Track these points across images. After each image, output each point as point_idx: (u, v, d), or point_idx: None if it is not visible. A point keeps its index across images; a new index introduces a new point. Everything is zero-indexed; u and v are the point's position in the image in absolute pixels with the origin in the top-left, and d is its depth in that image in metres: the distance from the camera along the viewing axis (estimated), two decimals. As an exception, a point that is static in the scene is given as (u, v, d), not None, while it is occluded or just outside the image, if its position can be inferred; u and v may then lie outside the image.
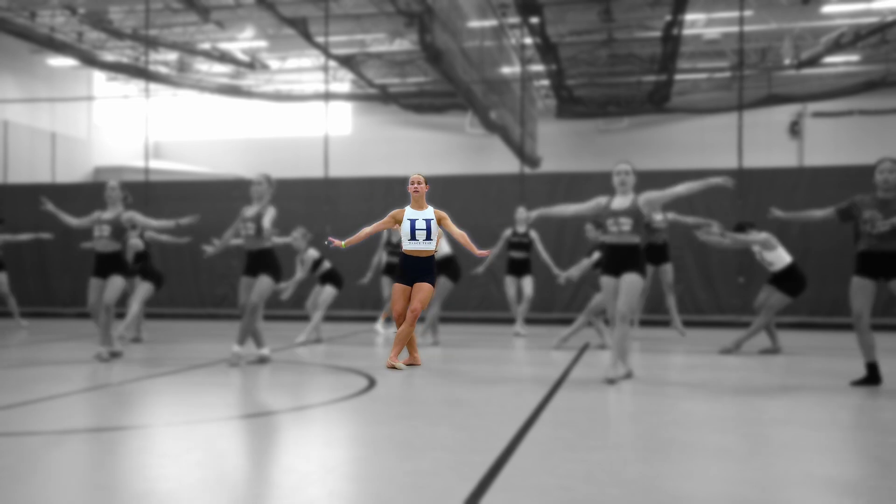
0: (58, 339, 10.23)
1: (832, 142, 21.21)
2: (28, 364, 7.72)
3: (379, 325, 11.63)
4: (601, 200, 6.78)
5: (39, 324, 12.85)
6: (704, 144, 20.89)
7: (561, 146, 22.52)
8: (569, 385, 6.47)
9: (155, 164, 19.93)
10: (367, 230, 5.05)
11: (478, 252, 4.88)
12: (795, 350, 9.30)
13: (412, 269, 4.99)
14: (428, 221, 5.03)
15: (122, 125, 24.23)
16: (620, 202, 6.69)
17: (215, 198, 15.25)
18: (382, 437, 4.58)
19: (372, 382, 6.50)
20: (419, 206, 5.05)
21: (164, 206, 15.02)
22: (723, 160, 16.44)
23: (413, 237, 4.99)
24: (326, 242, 4.86)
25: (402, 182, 14.78)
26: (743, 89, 14.34)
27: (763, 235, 8.78)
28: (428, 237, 4.99)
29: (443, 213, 5.21)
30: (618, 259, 6.57)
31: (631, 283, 6.48)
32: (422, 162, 22.02)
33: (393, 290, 5.07)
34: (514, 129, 18.59)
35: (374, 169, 18.83)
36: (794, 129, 21.99)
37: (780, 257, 8.73)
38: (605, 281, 6.67)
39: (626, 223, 6.54)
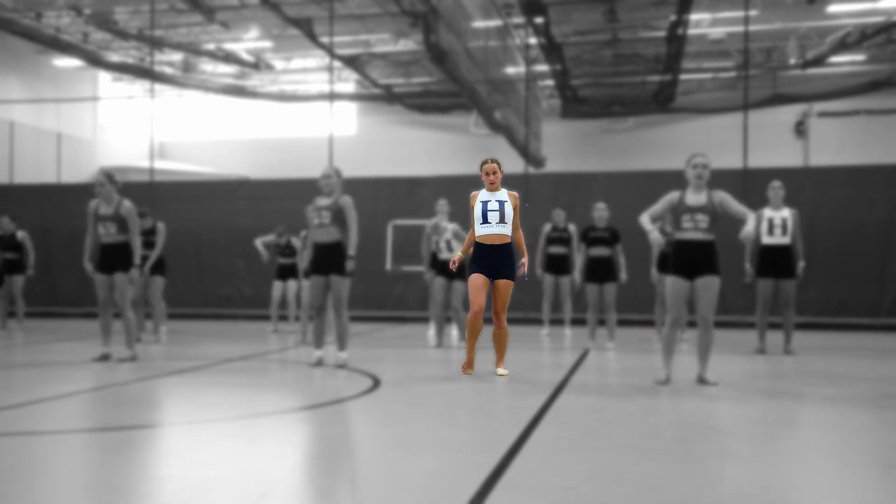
0: (63, 339, 10.26)
1: (838, 142, 21.15)
2: (33, 364, 7.74)
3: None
4: (672, 197, 6.35)
5: (45, 324, 12.88)
6: (709, 144, 20.80)
7: (565, 146, 22.50)
8: (573, 386, 6.47)
9: (160, 164, 19.97)
10: (468, 241, 4.99)
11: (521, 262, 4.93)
12: (801, 350, 9.28)
13: (490, 260, 4.72)
14: (501, 203, 4.84)
15: (128, 125, 24.28)
16: (695, 198, 6.30)
17: (220, 198, 15.29)
18: (387, 436, 4.58)
19: (377, 382, 6.50)
20: (493, 191, 4.92)
21: (169, 207, 15.06)
22: (728, 160, 16.39)
23: (485, 220, 4.77)
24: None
25: (406, 182, 14.79)
26: (748, 89, 14.31)
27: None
28: (502, 220, 4.78)
29: (517, 197, 5.03)
30: (694, 258, 6.21)
31: (710, 285, 6.21)
32: (426, 162, 22.02)
33: (471, 283, 4.83)
34: (519, 129, 18.59)
35: (379, 169, 18.84)
36: (800, 129, 21.94)
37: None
38: (675, 282, 6.25)
39: (703, 220, 6.20)
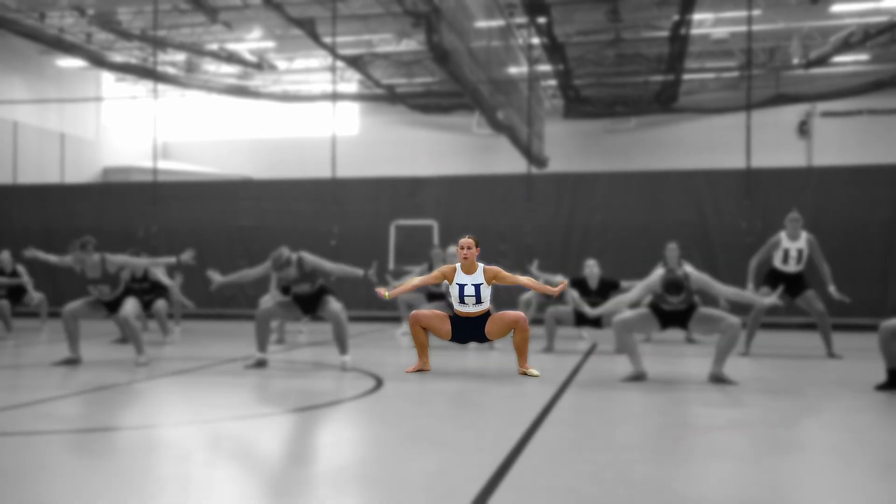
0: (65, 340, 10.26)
1: (841, 142, 21.11)
2: (36, 364, 7.76)
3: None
4: (653, 282, 6.72)
5: (47, 324, 12.89)
6: (712, 144, 20.83)
7: (568, 146, 22.49)
8: (576, 386, 6.47)
9: (163, 164, 19.99)
10: (414, 282, 4.94)
11: (552, 290, 4.75)
12: (800, 352, 9.27)
13: (466, 327, 4.91)
14: (477, 287, 4.93)
15: (131, 126, 24.30)
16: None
17: (223, 198, 15.29)
18: (390, 437, 4.58)
19: (380, 383, 6.50)
20: (468, 271, 4.92)
21: (172, 207, 15.08)
22: (731, 160, 16.39)
23: (461, 301, 4.90)
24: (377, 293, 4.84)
25: (408, 182, 14.79)
26: (751, 89, 14.29)
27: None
28: (478, 302, 4.88)
29: (495, 271, 5.01)
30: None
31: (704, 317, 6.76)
32: (428, 162, 22.02)
33: (430, 313, 4.92)
34: (521, 129, 18.58)
35: (381, 169, 18.84)
36: (803, 129, 21.90)
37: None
38: (649, 317, 6.82)
39: (680, 302, 6.70)
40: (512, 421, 4.97)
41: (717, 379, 6.57)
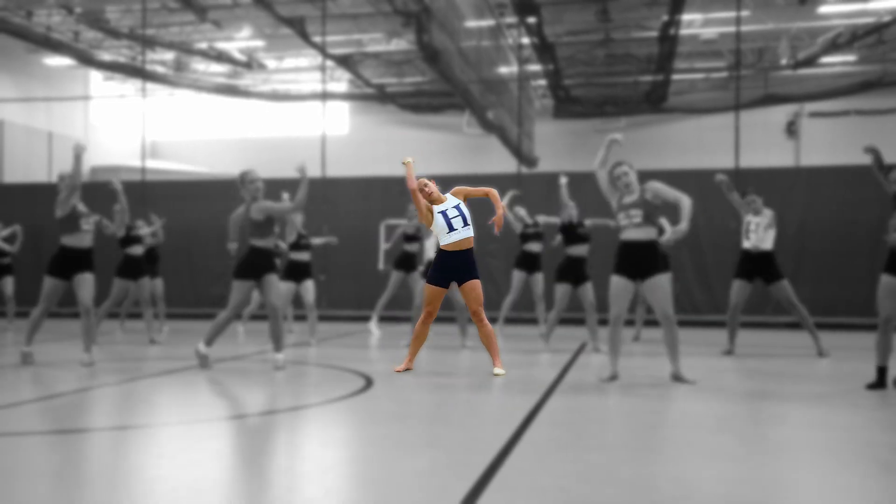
0: (53, 340, 10.21)
1: (829, 142, 21.21)
2: (24, 364, 7.71)
3: (373, 325, 11.39)
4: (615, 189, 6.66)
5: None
6: (701, 144, 20.90)
7: (558, 146, 22.51)
8: (565, 386, 6.48)
9: (152, 163, 19.91)
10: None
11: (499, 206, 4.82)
12: (790, 351, 9.32)
13: (454, 268, 4.64)
14: (457, 206, 4.77)
15: (119, 124, 24.18)
16: (630, 197, 6.55)
17: (212, 197, 15.24)
18: (379, 436, 4.58)
19: (369, 382, 6.50)
20: (440, 201, 4.79)
21: (160, 206, 15.00)
22: (720, 160, 16.45)
23: (451, 228, 4.69)
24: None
25: (399, 182, 14.77)
26: (740, 89, 14.35)
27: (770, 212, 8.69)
28: (465, 223, 4.73)
29: (460, 189, 4.95)
30: (637, 258, 6.32)
31: (661, 285, 6.27)
32: (419, 162, 21.99)
33: (429, 291, 4.69)
34: (512, 129, 18.59)
35: (372, 168, 18.82)
36: (791, 129, 22.01)
37: (771, 239, 8.69)
38: (616, 281, 6.38)
39: (636, 215, 6.35)
40: (501, 420, 4.97)
41: (677, 378, 6.51)
